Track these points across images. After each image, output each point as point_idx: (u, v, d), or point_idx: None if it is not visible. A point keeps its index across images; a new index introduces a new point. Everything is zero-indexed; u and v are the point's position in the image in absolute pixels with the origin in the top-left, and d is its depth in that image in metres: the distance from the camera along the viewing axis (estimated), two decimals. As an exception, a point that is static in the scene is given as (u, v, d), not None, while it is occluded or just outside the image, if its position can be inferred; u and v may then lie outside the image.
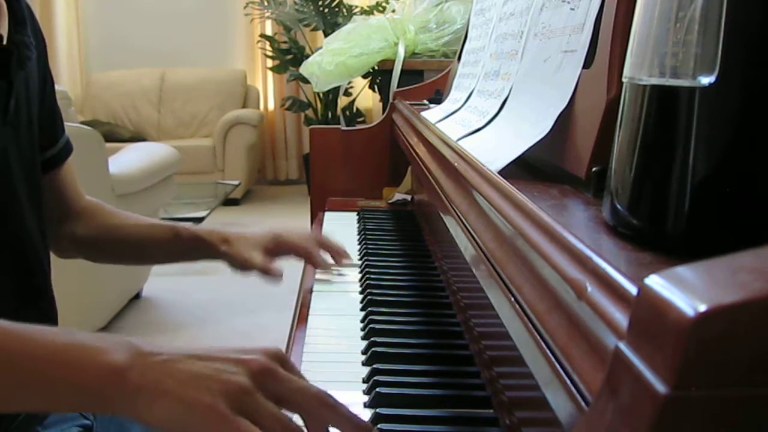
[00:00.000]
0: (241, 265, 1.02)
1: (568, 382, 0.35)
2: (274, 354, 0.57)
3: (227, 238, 1.03)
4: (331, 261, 1.11)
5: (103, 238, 1.04)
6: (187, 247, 1.04)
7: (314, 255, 1.08)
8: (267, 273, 1.01)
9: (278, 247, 1.05)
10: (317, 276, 1.09)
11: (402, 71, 2.23)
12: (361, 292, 1.02)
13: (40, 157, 0.93)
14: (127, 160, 2.80)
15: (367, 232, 1.30)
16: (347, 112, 5.01)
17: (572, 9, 0.67)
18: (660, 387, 0.24)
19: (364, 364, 0.79)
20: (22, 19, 0.85)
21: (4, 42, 0.82)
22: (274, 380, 0.55)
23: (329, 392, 0.56)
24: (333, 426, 0.56)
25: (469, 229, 0.63)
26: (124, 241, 1.05)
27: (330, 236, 1.15)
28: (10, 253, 0.84)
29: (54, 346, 0.55)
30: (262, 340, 2.56)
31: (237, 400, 0.52)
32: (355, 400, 0.70)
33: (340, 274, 1.12)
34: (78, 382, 0.54)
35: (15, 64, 0.82)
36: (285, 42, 5.08)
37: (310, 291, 1.04)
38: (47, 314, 0.93)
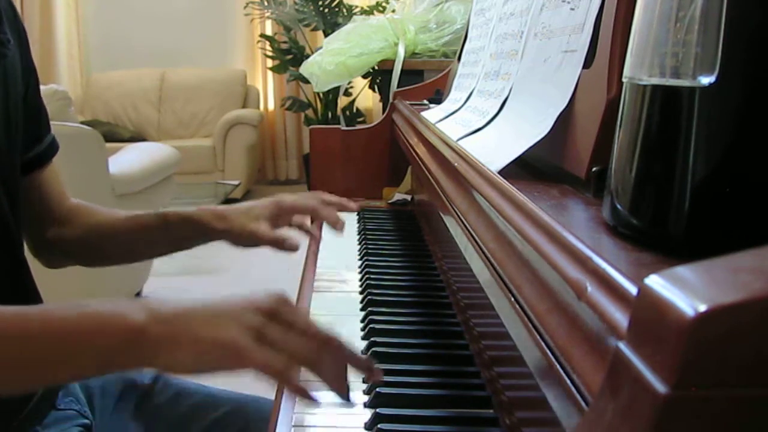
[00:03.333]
0: (246, 239, 0.94)
1: (568, 382, 0.35)
2: (278, 295, 0.60)
3: (222, 214, 0.94)
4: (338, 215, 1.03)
5: (91, 238, 0.99)
6: (179, 232, 0.97)
7: (320, 210, 1.01)
8: (280, 245, 0.94)
9: (282, 213, 0.98)
10: (317, 277, 1.09)
11: (402, 71, 2.24)
12: (361, 292, 1.02)
13: (25, 156, 0.90)
14: (127, 160, 2.80)
15: (367, 232, 1.30)
16: (347, 112, 5.01)
17: (572, 9, 0.67)
18: (660, 387, 0.24)
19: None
20: None
21: None
22: (280, 317, 0.58)
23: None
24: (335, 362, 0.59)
25: (469, 229, 0.63)
26: (112, 237, 0.99)
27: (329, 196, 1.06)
28: None
29: (73, 320, 0.57)
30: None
31: (254, 334, 0.56)
32: (355, 399, 0.70)
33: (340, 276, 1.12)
34: (102, 348, 0.56)
35: None
36: (285, 42, 5.08)
37: (311, 291, 1.04)
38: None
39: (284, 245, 0.93)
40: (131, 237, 0.99)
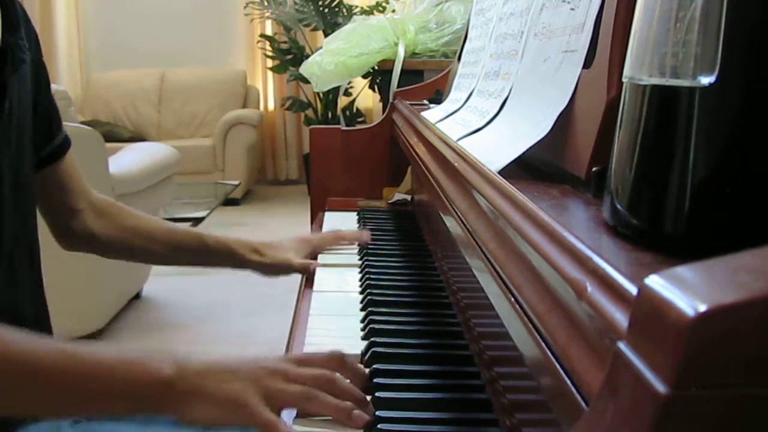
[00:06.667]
0: (276, 270, 1.10)
1: (568, 382, 0.35)
2: (283, 356, 0.71)
3: (257, 248, 1.09)
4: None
5: (124, 240, 1.06)
6: (214, 256, 1.10)
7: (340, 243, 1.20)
8: (306, 270, 1.09)
9: (308, 248, 1.15)
10: (317, 278, 1.09)
11: (402, 71, 2.23)
12: (361, 292, 1.02)
13: (39, 154, 0.94)
14: (127, 160, 2.80)
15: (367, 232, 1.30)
16: (347, 112, 5.01)
17: (572, 9, 0.67)
18: (660, 387, 0.24)
19: (364, 364, 0.79)
20: (16, 21, 0.84)
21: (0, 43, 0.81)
22: (286, 372, 0.67)
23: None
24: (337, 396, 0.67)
25: (469, 229, 0.63)
26: (147, 244, 1.07)
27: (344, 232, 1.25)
28: None
29: (111, 364, 0.65)
30: (262, 340, 2.55)
31: (262, 393, 0.64)
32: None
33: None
34: (134, 394, 0.64)
35: (9, 67, 0.82)
36: (285, 42, 5.08)
37: (310, 291, 1.04)
38: (37, 320, 0.92)
39: (309, 270, 1.10)
40: (166, 249, 1.08)
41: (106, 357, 0.65)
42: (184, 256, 1.10)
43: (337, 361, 0.71)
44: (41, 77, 0.94)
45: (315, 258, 1.16)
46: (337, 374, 0.69)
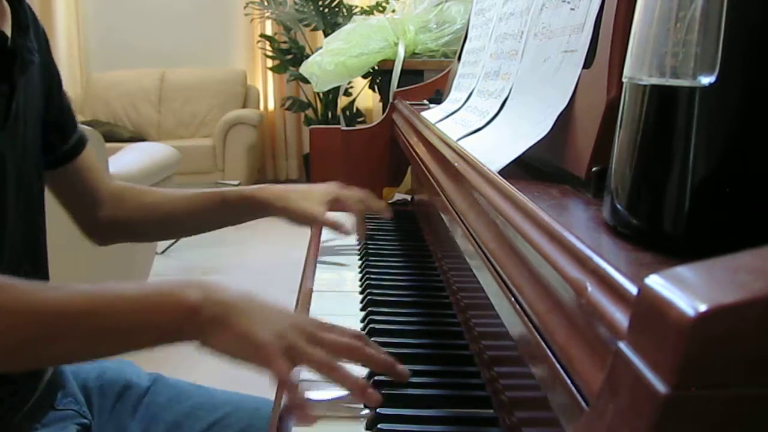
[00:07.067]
0: (302, 219, 1.05)
1: (568, 382, 0.35)
2: (315, 321, 0.70)
3: (282, 194, 1.05)
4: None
5: (147, 217, 1.06)
6: (237, 210, 1.07)
7: (370, 202, 1.16)
8: (335, 227, 1.06)
9: (338, 200, 1.11)
10: (317, 277, 1.09)
11: (402, 71, 2.23)
12: (361, 292, 1.02)
13: (55, 153, 0.96)
14: (127, 160, 2.80)
15: (367, 232, 1.30)
16: (347, 112, 5.01)
17: (572, 9, 0.67)
18: (660, 387, 0.24)
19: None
20: (25, 23, 0.85)
21: (8, 44, 0.81)
22: (314, 335, 0.67)
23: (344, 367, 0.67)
24: (362, 363, 0.69)
25: (469, 229, 0.63)
26: (169, 216, 1.07)
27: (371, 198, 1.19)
28: None
29: (135, 298, 0.65)
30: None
31: (285, 345, 0.64)
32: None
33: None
34: (161, 323, 0.64)
35: (18, 69, 0.82)
36: (285, 42, 5.08)
37: (310, 291, 1.04)
38: None
39: (340, 229, 1.07)
40: (189, 216, 1.07)
41: (131, 293, 0.65)
42: (209, 218, 1.09)
43: (361, 339, 0.71)
44: (52, 77, 0.95)
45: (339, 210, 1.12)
46: (362, 344, 0.69)
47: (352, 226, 1.13)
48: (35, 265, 0.91)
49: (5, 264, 0.82)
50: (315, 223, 1.07)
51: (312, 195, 1.07)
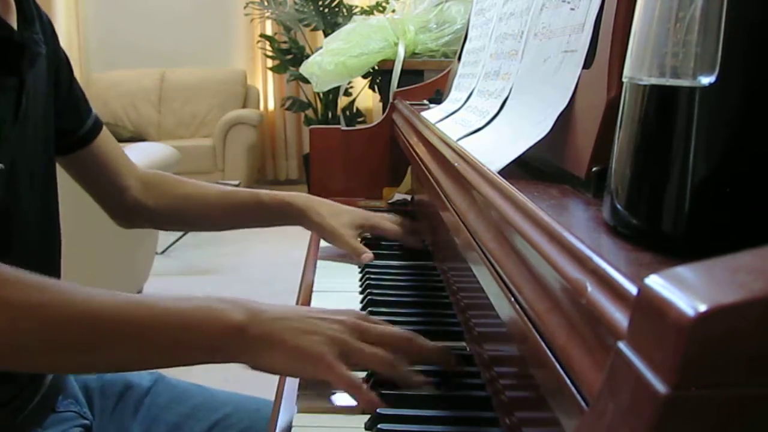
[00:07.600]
0: (330, 238, 1.08)
1: (568, 382, 0.35)
2: (358, 314, 0.72)
3: (318, 210, 1.07)
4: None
5: (178, 208, 1.06)
6: (272, 213, 1.07)
7: (403, 238, 1.16)
8: (357, 255, 1.06)
9: (368, 229, 1.13)
10: (317, 277, 1.09)
11: (402, 71, 2.23)
12: (361, 292, 1.02)
13: (71, 138, 0.96)
14: (127, 160, 2.80)
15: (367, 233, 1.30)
16: (347, 112, 5.01)
17: (572, 9, 0.67)
18: (660, 387, 0.24)
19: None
20: (30, 15, 0.85)
21: (15, 36, 0.81)
22: (364, 331, 0.68)
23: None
24: (418, 359, 0.70)
25: (469, 229, 0.63)
26: (202, 210, 1.07)
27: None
28: (11, 255, 0.84)
29: (183, 313, 0.64)
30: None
31: (339, 350, 0.64)
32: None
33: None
34: (207, 340, 0.64)
35: (26, 62, 0.82)
36: (285, 42, 5.08)
37: (310, 291, 1.04)
38: None
39: (361, 257, 1.07)
40: (221, 212, 1.08)
41: (175, 307, 0.64)
42: (241, 217, 1.09)
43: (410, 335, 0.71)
44: (60, 62, 0.95)
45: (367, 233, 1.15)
46: (416, 335, 0.70)
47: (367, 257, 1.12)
48: (49, 263, 0.92)
49: (15, 255, 0.82)
50: (341, 246, 1.08)
51: (343, 217, 1.09)
